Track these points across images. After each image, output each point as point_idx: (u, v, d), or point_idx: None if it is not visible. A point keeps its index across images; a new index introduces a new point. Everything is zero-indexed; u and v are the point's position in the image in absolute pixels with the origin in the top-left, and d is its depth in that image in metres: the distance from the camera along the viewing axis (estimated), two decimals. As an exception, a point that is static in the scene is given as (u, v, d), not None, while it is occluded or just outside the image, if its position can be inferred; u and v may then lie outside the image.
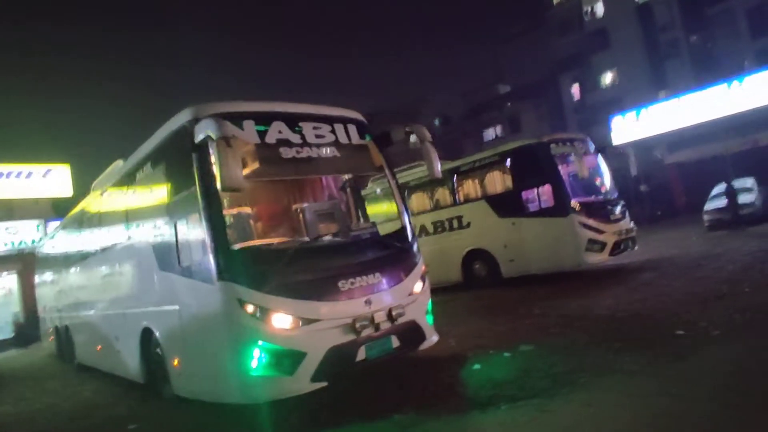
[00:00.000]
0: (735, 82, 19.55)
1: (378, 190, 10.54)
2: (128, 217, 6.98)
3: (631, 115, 23.39)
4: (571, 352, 5.38)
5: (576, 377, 4.54)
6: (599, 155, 11.88)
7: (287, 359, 4.60)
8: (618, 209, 11.20)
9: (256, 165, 5.45)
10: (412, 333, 5.49)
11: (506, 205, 11.47)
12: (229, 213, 5.78)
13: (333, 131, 5.73)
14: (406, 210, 6.26)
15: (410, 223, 6.16)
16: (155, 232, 5.95)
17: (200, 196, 4.78)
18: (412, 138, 6.30)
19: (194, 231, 5.01)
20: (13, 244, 19.61)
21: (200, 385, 5.35)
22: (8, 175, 20.18)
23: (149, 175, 6.20)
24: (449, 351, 6.50)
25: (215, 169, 4.42)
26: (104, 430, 5.82)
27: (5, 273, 19.91)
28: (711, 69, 27.61)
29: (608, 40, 38.01)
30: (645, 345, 5.20)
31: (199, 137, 4.64)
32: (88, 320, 9.23)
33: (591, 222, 10.41)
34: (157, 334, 6.08)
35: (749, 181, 17.06)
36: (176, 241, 5.36)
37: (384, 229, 6.37)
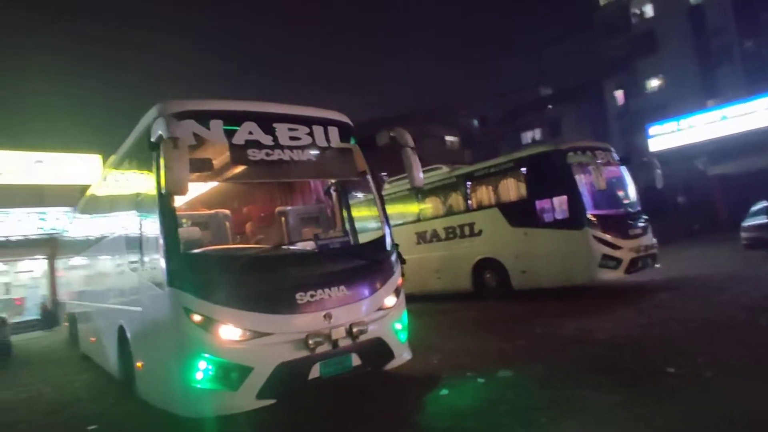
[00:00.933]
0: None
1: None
2: (111, 210, 6.96)
3: (671, 124, 22.22)
4: (548, 383, 4.93)
5: (539, 415, 4.12)
6: (623, 166, 11.17)
7: (232, 373, 4.36)
8: (639, 224, 10.52)
9: (222, 167, 5.26)
10: (377, 351, 5.17)
11: (519, 214, 10.96)
12: (188, 215, 5.60)
13: (311, 133, 5.46)
14: (387, 219, 5.92)
15: (390, 232, 5.84)
16: (127, 230, 5.85)
17: (156, 197, 4.61)
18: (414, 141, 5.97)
19: (151, 233, 4.84)
20: (43, 229, 20.29)
21: (155, 391, 5.20)
22: (42, 161, 20.92)
23: (125, 171, 6.11)
24: (427, 370, 6.15)
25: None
26: (66, 428, 5.73)
27: (36, 257, 20.64)
28: (766, 77, 25.96)
29: (656, 43, 36.29)
30: (629, 380, 4.71)
31: (154, 136, 4.46)
32: (87, 310, 9.32)
33: (607, 236, 9.79)
34: (128, 333, 5.98)
35: (795, 198, 15.85)
36: (140, 242, 5.22)
37: (364, 238, 6.09)
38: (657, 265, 10.74)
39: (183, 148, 4.09)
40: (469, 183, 12.17)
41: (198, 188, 6.34)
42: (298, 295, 4.71)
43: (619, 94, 40.03)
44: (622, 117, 38.88)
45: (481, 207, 11.91)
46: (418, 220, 13.52)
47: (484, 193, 11.91)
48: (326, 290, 4.86)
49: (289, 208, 6.85)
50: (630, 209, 10.85)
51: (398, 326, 5.48)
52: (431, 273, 12.98)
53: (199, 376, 4.34)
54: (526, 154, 11.05)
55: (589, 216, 9.89)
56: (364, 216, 7.63)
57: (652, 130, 23.27)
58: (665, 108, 31.21)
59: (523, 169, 10.91)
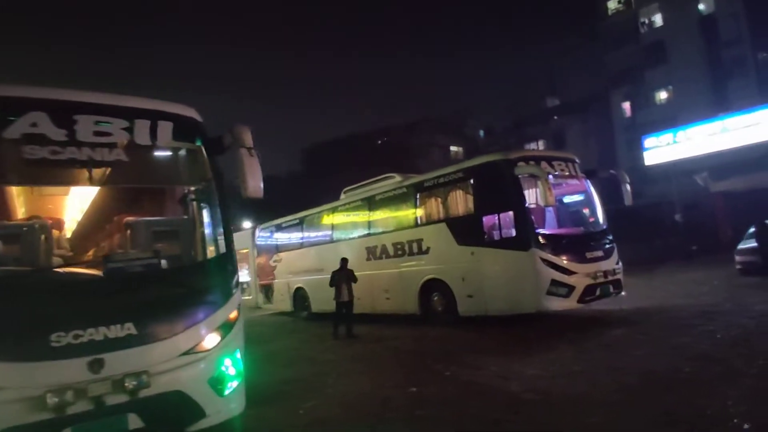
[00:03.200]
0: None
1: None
2: None
3: (667, 136, 20.69)
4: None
5: None
6: (587, 179, 9.86)
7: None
8: (599, 246, 9.18)
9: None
10: (173, 408, 3.95)
11: (466, 230, 9.71)
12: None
13: (130, 129, 4.30)
14: (229, 238, 4.71)
15: (229, 254, 4.64)
16: None
17: None
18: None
19: None
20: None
21: None
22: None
23: None
24: (278, 425, 4.94)
25: None
26: None
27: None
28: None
29: (665, 54, 34.81)
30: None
31: None
32: None
33: (557, 259, 8.48)
34: None
35: (797, 220, 14.24)
36: None
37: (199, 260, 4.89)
38: (621, 293, 9.37)
39: None
40: (418, 195, 10.94)
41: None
42: (54, 336, 3.53)
43: (626, 106, 38.48)
44: (629, 129, 37.22)
45: (429, 221, 10.67)
46: (369, 234, 12.32)
47: (433, 206, 10.67)
48: (102, 329, 3.68)
49: (140, 219, 5.68)
50: (590, 228, 9.53)
51: (219, 374, 4.26)
52: (381, 292, 11.77)
53: None
54: (473, 163, 9.78)
55: (537, 235, 8.61)
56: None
57: (648, 142, 21.76)
58: (674, 120, 29.48)
59: (471, 180, 9.67)
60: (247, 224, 25.28)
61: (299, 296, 14.89)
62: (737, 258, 13.80)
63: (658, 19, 36.07)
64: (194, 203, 4.97)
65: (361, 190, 12.97)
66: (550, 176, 9.01)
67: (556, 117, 44.87)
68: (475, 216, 9.44)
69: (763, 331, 6.85)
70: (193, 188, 4.90)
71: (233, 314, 4.48)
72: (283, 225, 16.15)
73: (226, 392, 4.29)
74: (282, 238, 16.22)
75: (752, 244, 13.16)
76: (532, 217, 8.86)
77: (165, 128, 4.48)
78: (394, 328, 10.87)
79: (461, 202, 9.90)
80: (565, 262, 8.50)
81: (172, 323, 4.05)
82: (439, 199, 10.46)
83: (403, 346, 8.67)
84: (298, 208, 15.94)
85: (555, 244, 8.65)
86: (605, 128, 39.42)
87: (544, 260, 8.42)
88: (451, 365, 6.73)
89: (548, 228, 9.21)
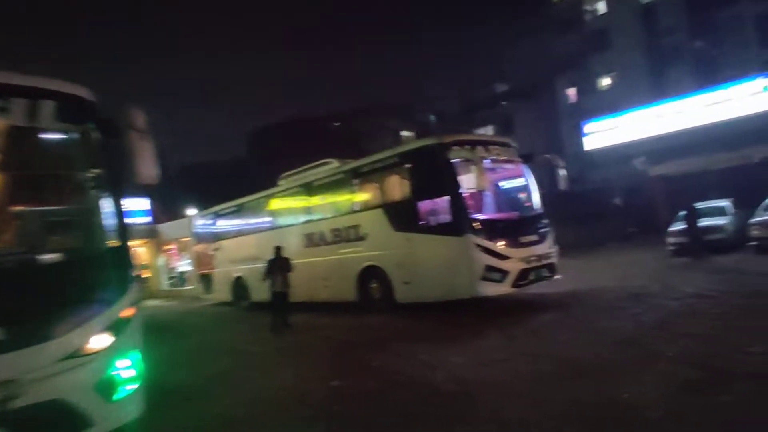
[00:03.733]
0: (720, 92, 17.27)
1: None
2: None
3: (606, 121, 21.16)
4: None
5: None
6: (525, 164, 9.83)
7: None
8: (534, 230, 9.18)
9: None
10: (50, 419, 3.58)
11: (402, 216, 9.52)
12: None
13: (4, 109, 3.83)
14: (123, 228, 4.32)
15: (118, 249, 4.24)
16: None
17: None
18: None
19: None
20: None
21: None
22: None
23: None
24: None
25: None
26: None
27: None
28: (715, 77, 25.26)
29: (609, 41, 35.64)
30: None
31: None
32: None
33: (492, 245, 8.42)
34: None
35: (724, 203, 14.82)
36: None
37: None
38: (556, 277, 9.44)
39: None
40: (355, 180, 10.68)
41: None
42: None
43: (571, 92, 39.27)
44: (574, 115, 37.98)
45: (366, 208, 10.43)
46: (307, 221, 11.99)
47: (370, 192, 10.43)
48: None
49: (30, 208, 5.15)
50: (526, 213, 9.53)
51: (109, 378, 3.90)
52: (320, 280, 11.48)
53: None
54: (408, 147, 9.57)
55: (471, 221, 8.51)
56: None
57: (587, 127, 22.20)
58: (616, 106, 30.25)
59: (406, 165, 9.47)
60: (192, 212, 24.43)
61: (239, 286, 14.42)
62: (668, 240, 14.27)
63: (602, 6, 36.78)
64: (84, 191, 4.52)
65: (298, 177, 12.59)
66: (487, 161, 8.94)
67: (504, 102, 45.35)
68: (411, 201, 9.26)
69: (685, 312, 7.00)
70: (83, 174, 4.45)
71: (128, 312, 4.10)
72: (222, 213, 15.58)
73: (118, 397, 3.93)
74: (221, 226, 15.66)
75: (682, 226, 13.60)
76: (467, 203, 8.74)
77: (47, 108, 4.01)
78: (331, 316, 10.66)
79: (397, 187, 9.69)
80: (499, 247, 8.44)
81: (51, 325, 3.65)
82: (376, 185, 10.22)
83: (336, 336, 8.46)
84: (244, 194, 15.36)
85: (490, 229, 8.57)
86: (552, 114, 40.17)
87: (478, 246, 8.33)
88: (381, 354, 6.56)
89: (483, 213, 9.12)
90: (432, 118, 53.75)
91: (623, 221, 21.24)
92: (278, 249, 10.11)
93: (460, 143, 8.82)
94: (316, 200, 11.79)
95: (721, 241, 13.37)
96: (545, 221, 9.56)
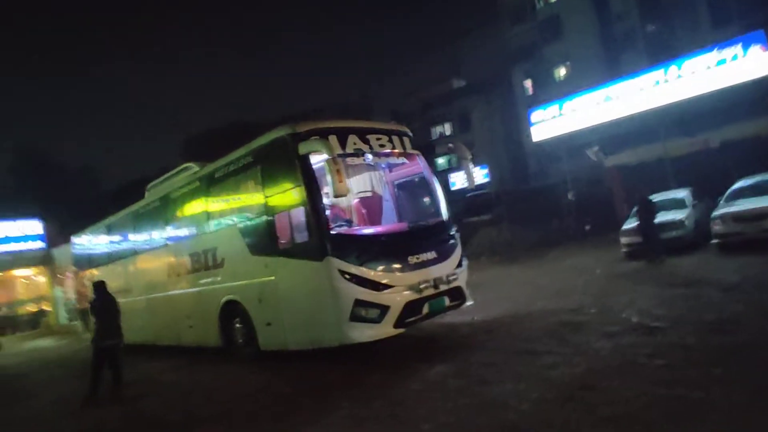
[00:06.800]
0: (672, 67, 15.37)
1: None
2: None
3: (553, 108, 19.16)
4: None
5: None
6: (419, 157, 7.53)
7: None
8: (432, 244, 6.80)
9: None
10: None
11: (257, 235, 7.14)
12: None
13: None
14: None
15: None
16: None
17: None
18: None
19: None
20: None
21: None
22: None
23: None
24: None
25: None
26: None
27: None
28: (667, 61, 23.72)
29: (561, 29, 34.27)
30: None
31: None
32: None
33: (363, 271, 6.07)
34: None
35: (682, 193, 12.75)
36: None
37: None
38: (468, 303, 7.11)
39: None
40: (209, 189, 8.26)
41: None
42: None
43: (528, 84, 37.68)
44: (532, 107, 36.35)
45: (221, 225, 8.01)
46: (166, 243, 9.52)
47: (223, 204, 8.01)
48: None
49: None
50: (420, 222, 7.20)
51: None
52: (183, 319, 9.04)
53: None
54: (259, 141, 7.14)
55: (334, 238, 6.16)
56: None
57: (534, 116, 20.09)
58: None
59: (258, 166, 7.09)
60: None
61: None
62: (621, 240, 12.17)
63: (552, -6, 35.25)
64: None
65: (161, 186, 10.09)
66: (366, 156, 6.65)
67: (458, 99, 43.42)
68: (267, 214, 6.89)
69: (616, 365, 4.72)
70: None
71: None
72: (92, 232, 12.98)
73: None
74: (94, 249, 13.01)
75: (635, 223, 11.52)
76: (328, 213, 6.41)
77: None
78: (184, 369, 8.22)
79: (252, 196, 7.29)
80: (374, 273, 6.10)
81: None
82: (230, 194, 7.82)
83: (150, 409, 5.99)
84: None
85: (360, 248, 6.23)
86: (510, 107, 38.41)
87: (343, 272, 5.98)
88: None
89: (354, 227, 6.83)
90: (389, 120, 51.63)
91: (577, 219, 19.22)
92: (100, 286, 7.50)
93: (320, 132, 6.43)
94: (175, 216, 9.31)
95: (680, 239, 11.25)
96: (450, 231, 7.24)
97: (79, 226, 14.12)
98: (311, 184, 6.20)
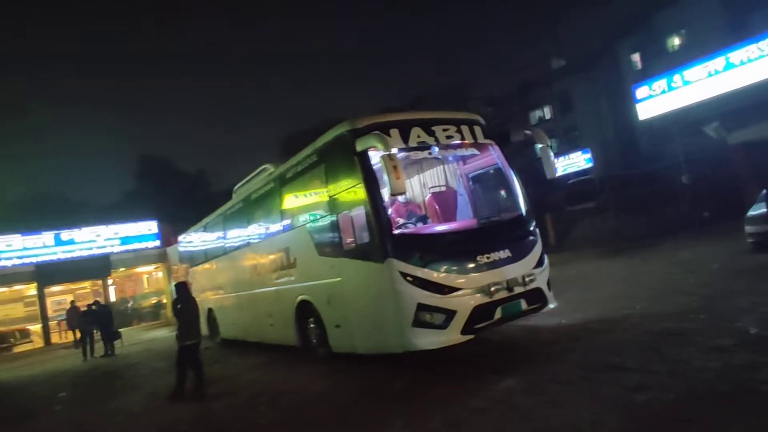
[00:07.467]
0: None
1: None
2: None
3: (661, 82, 17.11)
4: None
5: None
6: (494, 147, 6.92)
7: None
8: (507, 243, 6.18)
9: None
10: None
11: (324, 235, 6.99)
12: None
13: None
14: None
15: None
16: None
17: None
18: None
19: None
20: None
21: None
22: None
23: None
24: None
25: None
26: None
27: None
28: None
29: (675, -7, 30.93)
30: None
31: None
32: None
33: (426, 272, 5.66)
34: None
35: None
36: None
37: None
38: (550, 306, 6.42)
39: None
40: (282, 189, 8.27)
41: None
42: None
43: (636, 58, 34.59)
44: (642, 83, 33.27)
45: (292, 225, 7.98)
46: (249, 243, 9.77)
47: (294, 204, 7.97)
48: None
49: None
50: (494, 217, 6.60)
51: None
52: (265, 317, 9.23)
53: None
54: (322, 140, 6.94)
55: (395, 238, 5.79)
56: None
57: (640, 92, 18.12)
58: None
59: (322, 165, 6.91)
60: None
61: (212, 319, 12.53)
62: (747, 229, 10.60)
63: (663, -47, 31.86)
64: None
65: (244, 188, 10.36)
66: (433, 148, 6.23)
67: (559, 79, 40.86)
68: (331, 214, 6.71)
69: (713, 392, 3.88)
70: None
71: None
72: (193, 232, 13.77)
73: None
74: (194, 248, 13.80)
75: (764, 209, 9.94)
76: (390, 212, 6.07)
77: None
78: (261, 369, 8.37)
79: (318, 195, 7.14)
80: (438, 275, 5.66)
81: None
82: (299, 194, 7.75)
83: (219, 412, 6.05)
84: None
85: (424, 248, 5.82)
86: (616, 84, 35.43)
87: (405, 275, 5.61)
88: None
89: (420, 225, 6.39)
90: (488, 106, 50.15)
91: (695, 205, 17.15)
92: (182, 286, 7.79)
93: (382, 127, 6.09)
94: (255, 217, 9.51)
95: (823, 227, 9.56)
96: (528, 227, 6.58)
97: (189, 226, 15.05)
98: (371, 182, 5.88)
